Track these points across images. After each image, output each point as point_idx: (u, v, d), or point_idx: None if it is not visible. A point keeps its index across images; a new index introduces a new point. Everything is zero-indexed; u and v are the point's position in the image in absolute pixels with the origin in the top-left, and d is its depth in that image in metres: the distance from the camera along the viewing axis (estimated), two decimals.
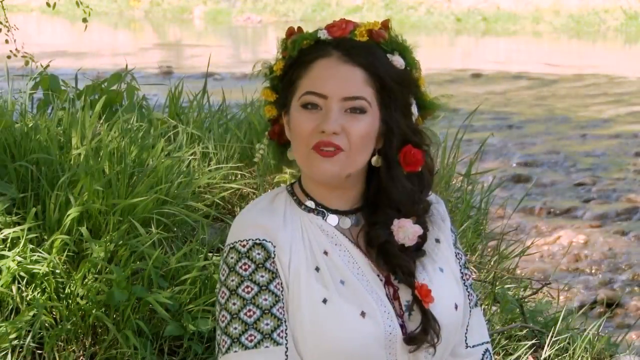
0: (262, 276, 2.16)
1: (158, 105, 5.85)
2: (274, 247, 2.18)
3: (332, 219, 2.24)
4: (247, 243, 2.18)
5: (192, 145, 4.72)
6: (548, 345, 4.21)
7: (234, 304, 2.16)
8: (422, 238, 2.25)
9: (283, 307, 2.16)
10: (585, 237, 9.05)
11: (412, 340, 2.18)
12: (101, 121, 4.62)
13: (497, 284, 4.61)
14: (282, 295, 2.16)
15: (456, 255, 2.34)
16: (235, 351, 2.14)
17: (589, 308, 6.59)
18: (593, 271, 8.37)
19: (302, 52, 2.21)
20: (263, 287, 2.16)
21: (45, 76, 5.06)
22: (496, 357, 4.17)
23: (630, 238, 9.12)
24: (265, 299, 2.15)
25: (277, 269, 2.17)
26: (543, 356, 4.19)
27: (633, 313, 7.37)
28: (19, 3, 33.45)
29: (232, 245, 2.20)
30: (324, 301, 2.14)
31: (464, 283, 2.33)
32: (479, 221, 5.21)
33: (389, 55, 2.21)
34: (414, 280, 2.21)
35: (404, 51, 2.24)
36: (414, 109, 2.25)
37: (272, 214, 2.22)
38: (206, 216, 4.29)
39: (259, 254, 2.17)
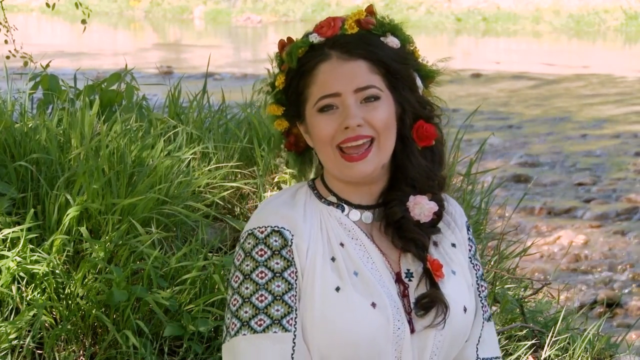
0: (277, 263, 2.19)
1: (158, 105, 5.85)
2: (292, 235, 2.21)
3: (355, 214, 2.27)
4: (266, 230, 2.21)
5: (192, 145, 4.72)
6: (548, 345, 4.21)
7: (247, 288, 2.18)
8: (438, 215, 2.28)
9: (295, 296, 2.18)
10: (585, 237, 9.05)
11: (422, 302, 2.20)
12: (100, 121, 4.62)
13: (497, 284, 4.61)
14: (296, 284, 2.19)
15: (474, 267, 2.36)
16: (244, 334, 2.16)
17: (589, 308, 6.59)
18: (593, 271, 8.37)
19: (300, 62, 2.24)
20: (277, 274, 2.19)
21: (45, 76, 5.05)
22: None
23: (630, 238, 9.12)
24: (278, 286, 2.18)
25: (293, 257, 2.20)
26: (543, 356, 4.19)
27: (633, 313, 7.37)
28: (19, 3, 33.44)
29: (250, 232, 2.23)
30: (337, 289, 2.17)
31: (479, 294, 2.35)
32: (479, 221, 5.20)
33: (382, 39, 2.25)
34: (426, 253, 2.24)
35: (395, 30, 2.28)
36: (419, 82, 2.29)
37: (293, 205, 2.26)
38: (206, 216, 4.29)
39: (276, 240, 2.20)
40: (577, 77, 19.47)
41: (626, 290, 7.87)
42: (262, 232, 2.21)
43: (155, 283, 3.75)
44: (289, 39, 2.28)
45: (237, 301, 2.19)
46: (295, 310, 2.18)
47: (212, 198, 4.40)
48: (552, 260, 8.52)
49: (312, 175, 2.38)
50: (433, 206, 2.26)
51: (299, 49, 2.24)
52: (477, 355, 2.33)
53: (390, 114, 2.23)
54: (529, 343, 4.23)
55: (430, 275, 2.23)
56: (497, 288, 4.55)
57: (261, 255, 2.20)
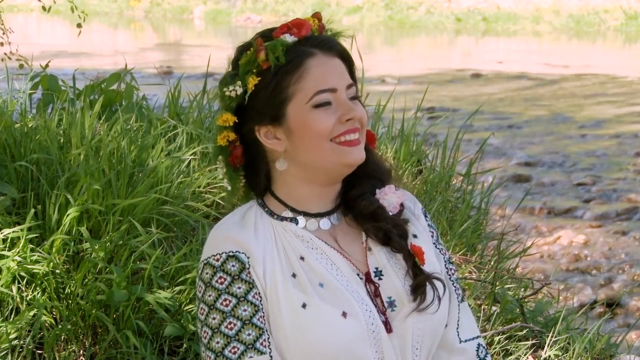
0: (239, 287, 2.16)
1: (158, 105, 5.85)
2: (248, 257, 2.18)
3: (312, 223, 2.24)
4: (221, 257, 2.18)
5: (192, 145, 4.72)
6: (548, 345, 4.21)
7: (214, 318, 2.16)
8: (402, 205, 2.29)
9: (263, 317, 2.16)
10: (585, 237, 9.05)
11: (416, 287, 2.20)
12: (101, 121, 4.62)
13: (497, 284, 4.61)
14: (261, 304, 2.17)
15: (440, 251, 2.35)
16: None
17: (589, 308, 6.59)
18: (593, 271, 8.37)
19: (286, 59, 2.20)
20: (241, 299, 2.16)
21: (45, 76, 5.06)
22: (496, 357, 4.17)
23: (630, 238, 9.12)
24: (245, 310, 2.15)
25: (253, 279, 2.17)
26: (543, 356, 4.19)
27: (633, 313, 7.38)
28: (19, 3, 33.44)
29: (206, 261, 2.20)
30: (304, 306, 2.14)
31: (450, 278, 2.34)
32: (479, 221, 5.21)
33: None
34: (406, 242, 2.24)
35: (340, 36, 2.30)
36: None
37: (243, 227, 2.22)
38: (206, 216, 4.29)
39: (233, 266, 2.17)
40: (577, 77, 19.46)
41: (626, 290, 7.87)
42: (217, 260, 2.18)
43: (156, 283, 3.75)
44: (260, 39, 2.23)
45: (207, 333, 2.16)
46: (267, 330, 2.15)
47: (213, 198, 4.40)
48: (552, 260, 8.52)
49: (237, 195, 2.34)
50: (401, 195, 2.27)
51: (280, 47, 2.19)
52: (459, 338, 2.31)
53: None
54: (529, 343, 4.24)
55: (414, 262, 2.22)
56: (497, 288, 4.55)
57: (221, 283, 2.16)
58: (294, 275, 2.18)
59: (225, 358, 2.14)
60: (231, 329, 2.15)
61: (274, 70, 2.19)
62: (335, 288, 2.17)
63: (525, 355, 4.19)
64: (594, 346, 4.38)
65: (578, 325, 4.77)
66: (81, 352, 3.70)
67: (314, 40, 2.22)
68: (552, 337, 4.23)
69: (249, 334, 2.14)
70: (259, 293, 2.17)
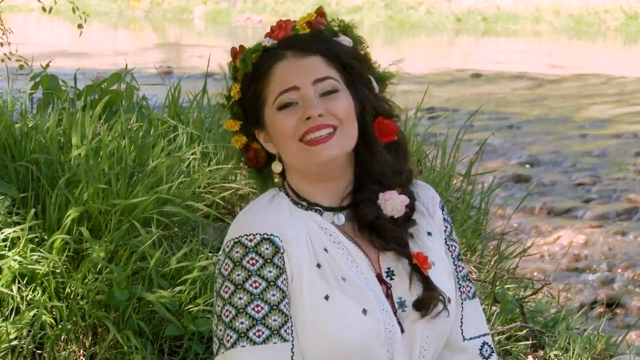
0: (270, 271, 2.16)
1: (158, 105, 5.84)
2: (282, 241, 2.18)
3: (327, 216, 2.25)
4: (255, 237, 2.18)
5: (192, 145, 4.72)
6: (548, 345, 4.21)
7: (240, 298, 2.15)
8: (410, 207, 2.27)
9: (288, 304, 2.16)
10: (585, 237, 9.05)
11: (420, 303, 2.20)
12: (101, 121, 4.62)
13: (497, 284, 4.61)
14: (287, 291, 2.17)
15: (449, 247, 2.34)
16: (243, 346, 2.14)
17: (589, 308, 6.59)
18: (593, 271, 8.37)
19: (256, 65, 2.24)
20: (271, 283, 2.16)
21: (45, 76, 5.06)
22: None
23: (630, 238, 9.12)
24: (274, 295, 2.15)
25: (284, 264, 2.17)
26: (543, 356, 4.19)
27: (633, 313, 7.38)
28: (19, 3, 33.43)
29: (237, 240, 2.18)
30: (326, 297, 2.15)
31: (458, 275, 2.33)
32: (479, 221, 5.20)
33: (335, 39, 2.27)
34: (408, 250, 2.23)
35: (346, 30, 2.30)
36: (374, 83, 2.29)
37: (277, 210, 2.23)
38: (206, 216, 4.29)
39: (267, 248, 2.17)
40: (577, 77, 19.46)
41: (626, 290, 7.87)
42: (250, 241, 2.17)
43: (156, 283, 3.75)
44: (242, 46, 2.27)
45: (230, 312, 2.15)
46: (290, 318, 2.15)
47: (213, 198, 4.40)
48: (552, 260, 8.52)
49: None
50: (404, 199, 2.25)
51: (252, 54, 2.24)
52: (463, 336, 2.31)
53: (350, 105, 2.22)
54: (529, 343, 4.24)
55: (419, 271, 2.22)
56: (497, 288, 4.55)
57: (253, 265, 2.16)
58: (318, 266, 2.18)
59: (249, 339, 2.13)
60: (258, 311, 2.14)
61: (248, 78, 2.24)
62: (356, 284, 2.18)
63: (525, 355, 4.19)
64: (594, 346, 4.38)
65: (578, 325, 4.77)
66: (81, 352, 3.70)
67: (290, 42, 2.24)
68: (552, 337, 4.23)
69: (274, 320, 2.14)
70: (287, 279, 2.17)
